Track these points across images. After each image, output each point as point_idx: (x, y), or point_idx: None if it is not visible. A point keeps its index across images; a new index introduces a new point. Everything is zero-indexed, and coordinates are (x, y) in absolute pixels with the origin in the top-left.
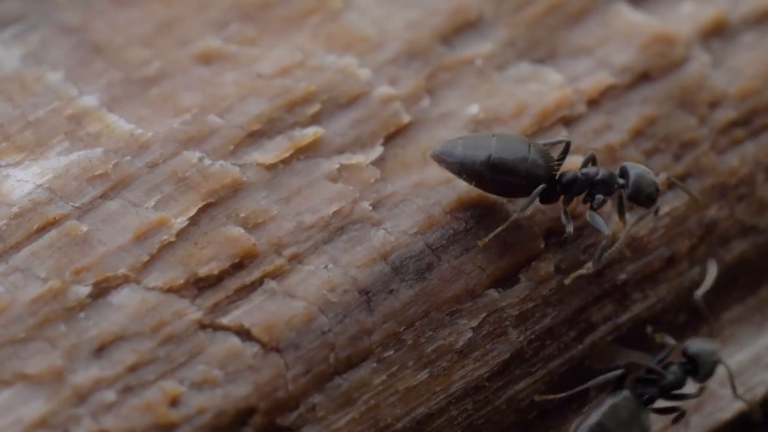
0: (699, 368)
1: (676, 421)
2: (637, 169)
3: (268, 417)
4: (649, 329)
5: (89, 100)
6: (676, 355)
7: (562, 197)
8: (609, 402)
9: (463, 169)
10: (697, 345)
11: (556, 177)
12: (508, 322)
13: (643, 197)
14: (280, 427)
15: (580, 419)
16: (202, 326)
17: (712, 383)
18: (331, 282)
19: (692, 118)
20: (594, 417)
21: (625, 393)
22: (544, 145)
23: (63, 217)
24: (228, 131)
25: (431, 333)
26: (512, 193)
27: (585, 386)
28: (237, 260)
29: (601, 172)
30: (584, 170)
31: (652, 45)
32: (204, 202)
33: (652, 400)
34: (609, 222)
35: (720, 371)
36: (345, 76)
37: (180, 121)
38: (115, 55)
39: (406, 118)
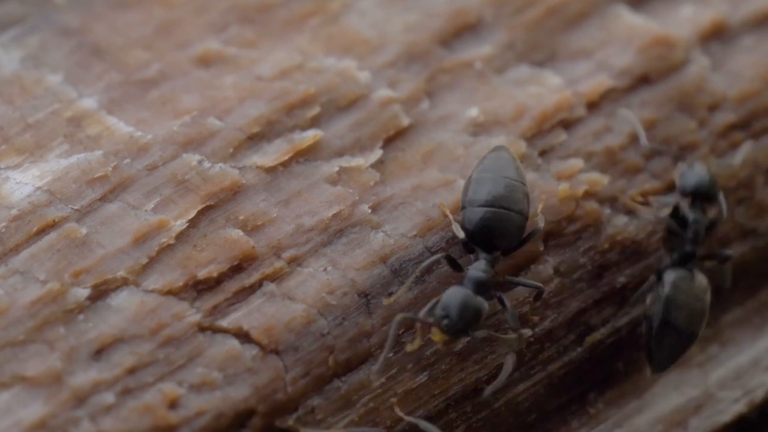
0: (709, 192)
1: None
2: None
3: (267, 419)
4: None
5: (89, 103)
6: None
7: None
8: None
9: None
10: (689, 175)
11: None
12: (507, 325)
13: None
14: (279, 429)
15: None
16: (201, 329)
17: (712, 386)
18: (330, 284)
19: (692, 121)
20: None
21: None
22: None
23: (62, 220)
24: (227, 134)
25: (430, 336)
26: None
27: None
28: (236, 263)
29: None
30: None
31: (652, 48)
32: (203, 205)
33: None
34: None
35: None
36: (344, 79)
37: (179, 123)
38: (114, 57)
39: (405, 121)
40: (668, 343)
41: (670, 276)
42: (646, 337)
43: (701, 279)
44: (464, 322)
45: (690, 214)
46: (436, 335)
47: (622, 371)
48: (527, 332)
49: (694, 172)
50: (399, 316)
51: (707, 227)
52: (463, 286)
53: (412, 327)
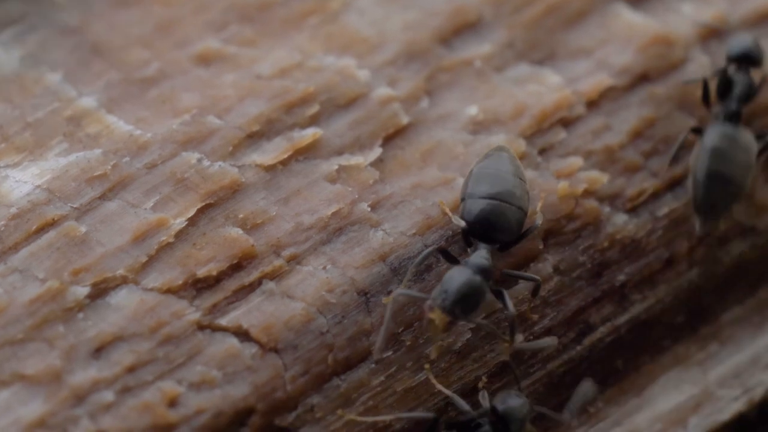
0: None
1: None
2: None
3: (266, 418)
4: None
5: (88, 101)
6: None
7: None
8: None
9: None
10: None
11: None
12: (507, 323)
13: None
14: (278, 427)
15: None
16: (201, 327)
17: (711, 384)
18: (329, 283)
19: (691, 119)
20: None
21: None
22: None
23: (61, 218)
24: (227, 132)
25: (430, 334)
26: None
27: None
28: (235, 261)
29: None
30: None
31: (652, 46)
32: (203, 203)
33: None
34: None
35: None
36: (344, 77)
37: (179, 122)
38: (114, 56)
39: (405, 119)
40: (716, 195)
41: (715, 129)
42: (693, 192)
43: (747, 135)
44: (465, 302)
45: (736, 75)
46: (436, 315)
47: (622, 369)
48: (519, 337)
49: (741, 38)
50: (396, 292)
51: (752, 90)
52: (467, 267)
53: (411, 325)
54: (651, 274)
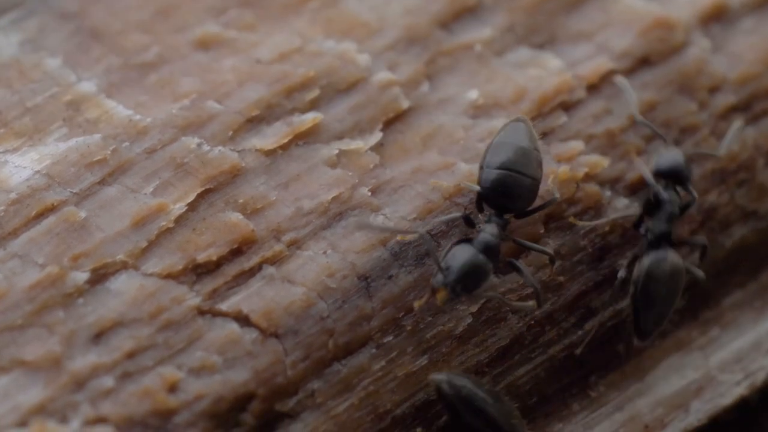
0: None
1: None
2: None
3: (267, 403)
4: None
5: (87, 86)
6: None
7: None
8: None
9: None
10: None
11: None
12: (508, 308)
13: None
14: (279, 413)
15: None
16: (201, 312)
17: (713, 369)
18: (330, 268)
19: (692, 103)
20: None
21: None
22: None
23: (61, 203)
24: (227, 117)
25: (430, 319)
26: None
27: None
28: (236, 246)
29: None
30: None
31: (652, 30)
32: (202, 188)
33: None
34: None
35: None
36: (344, 62)
37: (178, 106)
38: (113, 40)
39: (405, 104)
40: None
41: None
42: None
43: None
44: (467, 280)
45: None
46: (438, 292)
47: (623, 354)
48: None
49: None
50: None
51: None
52: (472, 245)
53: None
54: None
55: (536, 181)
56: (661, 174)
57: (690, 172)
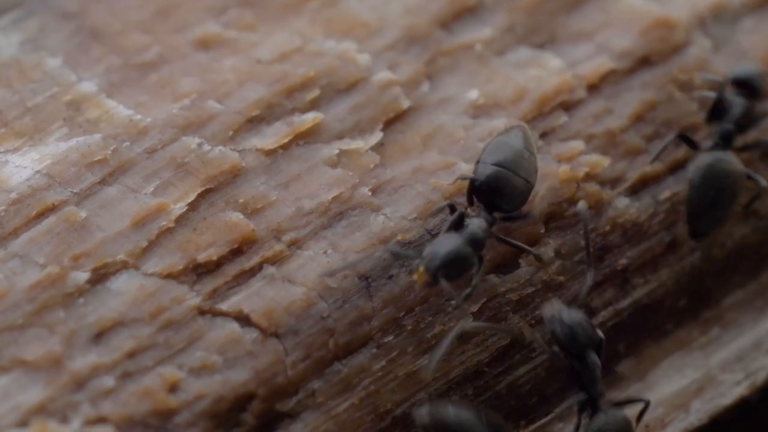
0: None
1: None
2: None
3: (267, 403)
4: None
5: (88, 86)
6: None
7: None
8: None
9: None
10: (741, 66)
11: None
12: (508, 308)
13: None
14: (279, 412)
15: None
16: (201, 312)
17: (714, 369)
18: (330, 267)
19: (692, 102)
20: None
21: None
22: None
23: (61, 203)
24: (227, 117)
25: (431, 318)
26: None
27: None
28: (236, 246)
29: None
30: None
31: (653, 30)
32: (203, 188)
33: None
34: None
35: None
36: (344, 62)
37: (179, 106)
38: (113, 40)
39: (405, 104)
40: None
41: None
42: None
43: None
44: (449, 267)
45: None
46: (417, 274)
47: (624, 353)
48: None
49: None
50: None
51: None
52: (459, 236)
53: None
54: (653, 258)
55: (529, 185)
56: (736, 82)
57: (765, 83)
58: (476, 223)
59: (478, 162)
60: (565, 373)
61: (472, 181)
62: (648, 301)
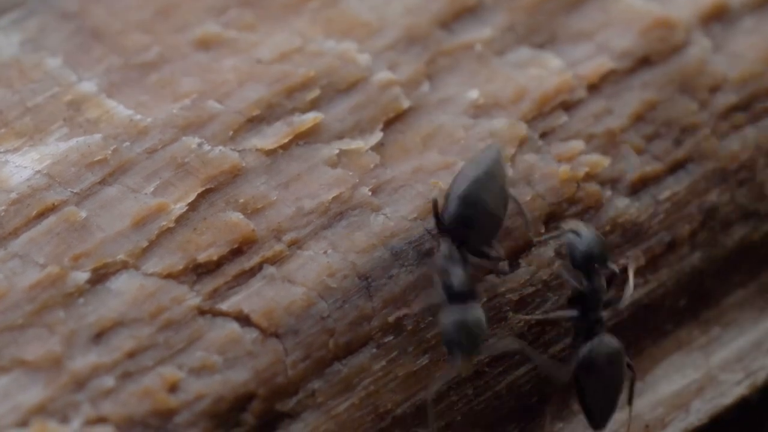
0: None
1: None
2: None
3: (267, 403)
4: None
5: (88, 86)
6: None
7: None
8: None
9: None
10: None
11: None
12: (508, 307)
13: None
14: (279, 412)
15: None
16: (201, 312)
17: (714, 369)
18: (330, 267)
19: (693, 102)
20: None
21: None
22: None
23: (62, 203)
24: (227, 117)
25: (431, 318)
26: None
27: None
28: (236, 246)
29: None
30: None
31: (653, 29)
32: (203, 188)
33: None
34: None
35: None
36: (344, 62)
37: (179, 106)
38: (113, 40)
39: (405, 104)
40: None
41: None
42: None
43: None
44: (470, 341)
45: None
46: (464, 366)
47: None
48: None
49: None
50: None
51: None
52: (450, 307)
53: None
54: (653, 258)
55: (499, 218)
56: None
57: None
58: (455, 276)
59: (447, 195)
60: (569, 292)
61: (439, 214)
62: (648, 301)
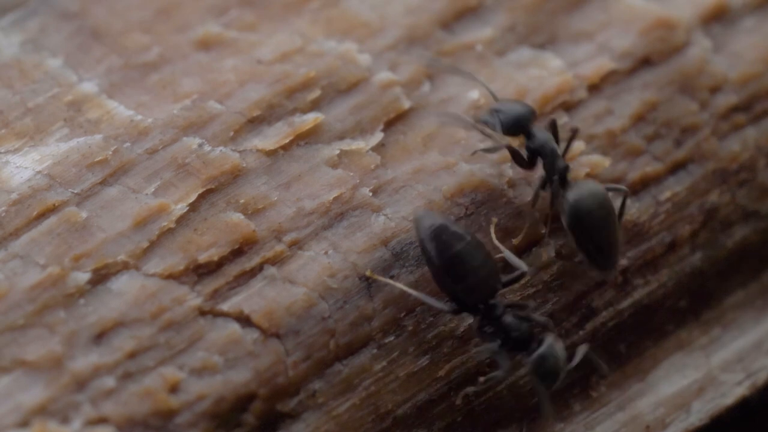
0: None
1: None
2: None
3: (268, 403)
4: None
5: (89, 87)
6: None
7: None
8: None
9: None
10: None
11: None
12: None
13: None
14: (280, 413)
15: None
16: (202, 312)
17: (714, 369)
18: (331, 268)
19: (693, 103)
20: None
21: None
22: None
23: (62, 204)
24: (228, 117)
25: (432, 319)
26: None
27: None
28: (237, 246)
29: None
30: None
31: (653, 30)
32: (204, 189)
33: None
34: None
35: None
36: (345, 62)
37: (180, 107)
38: (114, 40)
39: (406, 104)
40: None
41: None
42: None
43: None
44: (550, 368)
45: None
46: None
47: (624, 354)
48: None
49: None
50: None
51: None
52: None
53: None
54: (653, 258)
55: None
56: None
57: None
58: (509, 324)
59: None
60: (523, 163)
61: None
62: (648, 301)
